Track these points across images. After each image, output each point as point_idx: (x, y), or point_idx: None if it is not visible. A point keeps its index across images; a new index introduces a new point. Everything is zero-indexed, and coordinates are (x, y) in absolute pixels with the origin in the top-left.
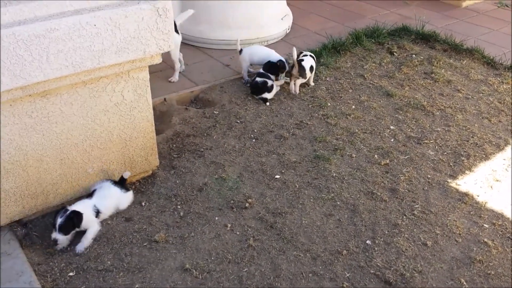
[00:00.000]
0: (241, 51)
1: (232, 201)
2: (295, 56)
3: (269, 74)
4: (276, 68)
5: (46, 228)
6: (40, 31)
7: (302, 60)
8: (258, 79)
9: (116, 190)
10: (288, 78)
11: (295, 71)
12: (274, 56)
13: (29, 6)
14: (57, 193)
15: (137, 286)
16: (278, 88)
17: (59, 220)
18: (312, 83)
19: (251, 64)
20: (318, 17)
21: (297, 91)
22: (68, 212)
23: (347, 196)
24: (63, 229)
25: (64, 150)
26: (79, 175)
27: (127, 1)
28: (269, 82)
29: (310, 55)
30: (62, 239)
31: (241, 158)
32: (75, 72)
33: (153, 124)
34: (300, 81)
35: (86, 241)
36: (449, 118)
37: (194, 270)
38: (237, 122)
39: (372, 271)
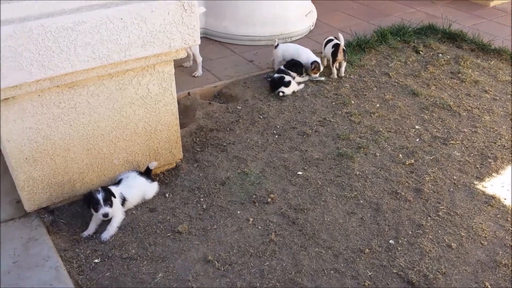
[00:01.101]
0: (277, 46)
1: (254, 196)
2: (342, 42)
3: (289, 71)
4: (299, 66)
5: (72, 215)
6: (69, 24)
7: (339, 44)
8: (276, 75)
9: (142, 180)
10: (310, 76)
11: (340, 56)
12: (308, 55)
13: None
14: (84, 182)
15: (160, 275)
16: (302, 86)
17: (100, 196)
18: (343, 73)
19: (284, 60)
20: (343, 14)
21: (343, 74)
22: (101, 188)
23: (370, 195)
24: (108, 201)
25: (91, 140)
26: (105, 165)
27: None
28: (287, 78)
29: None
30: (110, 211)
31: (263, 154)
32: (102, 64)
33: (178, 118)
34: (345, 65)
35: (112, 229)
36: (476, 119)
37: (216, 262)
38: (260, 118)
39: (394, 271)
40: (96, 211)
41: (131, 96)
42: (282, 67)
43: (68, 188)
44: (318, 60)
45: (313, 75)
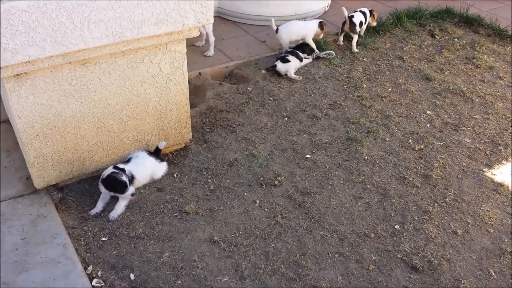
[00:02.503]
0: (277, 30)
1: (261, 178)
2: (345, 13)
3: (298, 52)
4: (306, 46)
5: (81, 193)
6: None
7: (353, 16)
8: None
9: (151, 160)
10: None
11: (346, 27)
12: (313, 22)
13: None
14: (93, 160)
15: (166, 254)
16: (298, 77)
17: (125, 178)
18: (354, 48)
19: (296, 41)
20: None
21: (355, 50)
22: (115, 168)
23: (378, 180)
24: (131, 181)
25: (101, 118)
26: (114, 144)
27: None
28: (290, 57)
29: (361, 11)
30: (133, 189)
31: (272, 136)
32: (115, 41)
33: (188, 98)
34: (356, 38)
35: (119, 208)
36: (488, 106)
37: (222, 243)
38: (270, 100)
39: (399, 256)
40: (123, 192)
41: (142, 74)
42: (291, 49)
43: (78, 166)
44: (322, 20)
45: (324, 56)
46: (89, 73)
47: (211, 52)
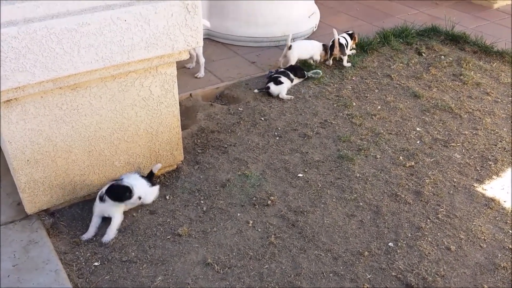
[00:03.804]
0: (290, 46)
1: (254, 198)
2: (336, 37)
3: (289, 73)
4: (298, 69)
5: (73, 217)
6: (73, 25)
7: (339, 38)
8: (275, 74)
9: (142, 183)
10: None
11: (336, 50)
12: (318, 46)
13: (62, 0)
14: (84, 184)
15: (159, 278)
16: (290, 97)
17: (127, 182)
18: (345, 63)
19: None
20: (346, 15)
21: (347, 64)
22: (113, 182)
23: (370, 197)
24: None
25: (92, 142)
26: (106, 167)
27: None
28: (282, 78)
29: (343, 36)
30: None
31: (264, 156)
32: (105, 66)
33: (179, 119)
34: (346, 57)
35: (111, 232)
36: (477, 121)
37: (215, 265)
38: (261, 120)
39: (393, 274)
40: (130, 197)
41: (133, 97)
42: (283, 69)
43: (69, 190)
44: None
45: (313, 72)
46: (80, 97)
47: (201, 73)
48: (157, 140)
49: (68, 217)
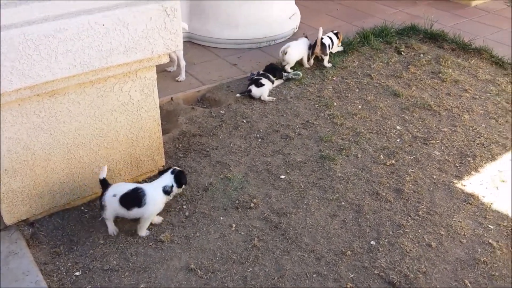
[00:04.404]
0: (286, 52)
1: (237, 201)
2: (320, 36)
3: (269, 75)
4: (278, 70)
5: (53, 227)
6: (50, 31)
7: (323, 38)
8: (256, 76)
9: None
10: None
11: (317, 49)
12: (307, 46)
13: (39, 6)
14: (64, 192)
15: (142, 286)
16: (271, 99)
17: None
18: (326, 63)
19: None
20: (326, 16)
21: (328, 65)
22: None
23: (352, 197)
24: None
25: (71, 149)
26: (86, 175)
27: (135, 1)
28: (263, 80)
29: (328, 36)
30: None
31: (246, 158)
32: (83, 71)
33: (160, 124)
34: (327, 58)
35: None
36: (456, 118)
37: (198, 270)
38: (243, 122)
39: (376, 272)
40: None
41: (112, 103)
42: (262, 71)
43: (48, 199)
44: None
45: (289, 73)
46: (58, 104)
47: (182, 77)
48: (137, 146)
49: (48, 227)
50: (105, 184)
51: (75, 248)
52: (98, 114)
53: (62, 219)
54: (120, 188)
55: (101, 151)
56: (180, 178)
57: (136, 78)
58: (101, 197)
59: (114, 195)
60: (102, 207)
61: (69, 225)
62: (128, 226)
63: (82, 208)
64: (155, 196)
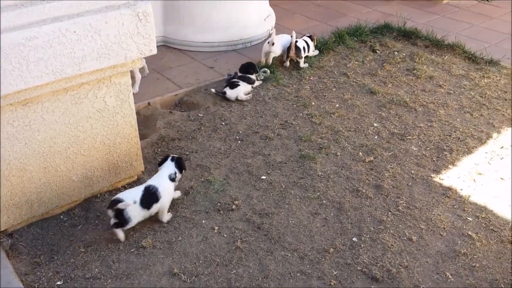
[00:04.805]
0: (273, 43)
1: (218, 204)
2: (294, 39)
3: (249, 76)
4: (253, 67)
5: (32, 237)
6: (20, 40)
7: (297, 41)
8: (234, 79)
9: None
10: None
11: (292, 52)
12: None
13: (7, 15)
14: (42, 201)
15: None
16: (249, 96)
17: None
18: (302, 65)
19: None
20: (301, 16)
21: (304, 65)
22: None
23: (332, 195)
24: None
25: (48, 158)
26: (63, 183)
27: (107, 7)
28: (240, 82)
29: (303, 39)
30: None
31: (226, 160)
32: (56, 79)
33: (137, 129)
34: (303, 60)
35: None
36: (431, 114)
37: (182, 275)
38: (222, 124)
39: (359, 268)
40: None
41: (87, 110)
42: (240, 74)
43: (26, 210)
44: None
45: (261, 76)
46: (32, 113)
47: (135, 89)
48: (115, 152)
49: (28, 237)
50: (116, 202)
51: (55, 257)
52: (73, 122)
53: (41, 228)
54: (130, 195)
55: (78, 159)
56: (180, 164)
57: (110, 84)
58: (120, 213)
59: (135, 202)
60: (126, 221)
61: (49, 234)
62: (108, 234)
63: (61, 216)
64: (166, 186)
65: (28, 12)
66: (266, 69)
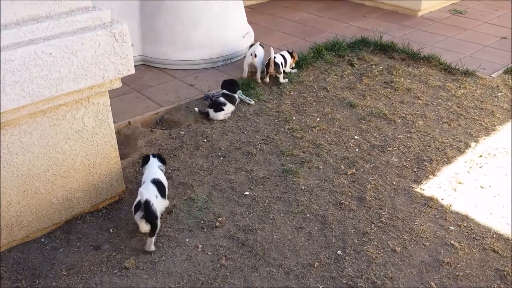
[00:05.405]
0: (255, 55)
1: (202, 221)
2: (272, 55)
3: (233, 94)
4: (236, 84)
5: (14, 261)
6: None
7: (275, 57)
8: (220, 98)
9: None
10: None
11: (271, 68)
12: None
13: None
14: (22, 225)
15: None
16: (228, 115)
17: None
18: (282, 80)
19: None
20: (280, 33)
21: (284, 80)
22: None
23: (316, 208)
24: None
25: (27, 181)
26: (43, 206)
27: (83, 28)
28: (226, 103)
29: (281, 54)
30: None
31: (209, 177)
32: (33, 101)
33: (117, 149)
34: (282, 75)
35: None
36: (410, 125)
37: None
38: (204, 141)
39: (344, 281)
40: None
41: (66, 131)
42: (225, 91)
43: (6, 234)
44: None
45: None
46: (9, 136)
47: None
48: (95, 173)
49: (8, 262)
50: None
51: (37, 281)
52: (52, 144)
53: (22, 252)
54: (148, 193)
55: (58, 181)
56: (162, 158)
57: (88, 105)
58: (151, 214)
59: (156, 196)
60: (155, 215)
61: (30, 258)
62: (90, 256)
63: (42, 240)
64: (162, 175)
65: (2, 35)
66: (250, 99)
